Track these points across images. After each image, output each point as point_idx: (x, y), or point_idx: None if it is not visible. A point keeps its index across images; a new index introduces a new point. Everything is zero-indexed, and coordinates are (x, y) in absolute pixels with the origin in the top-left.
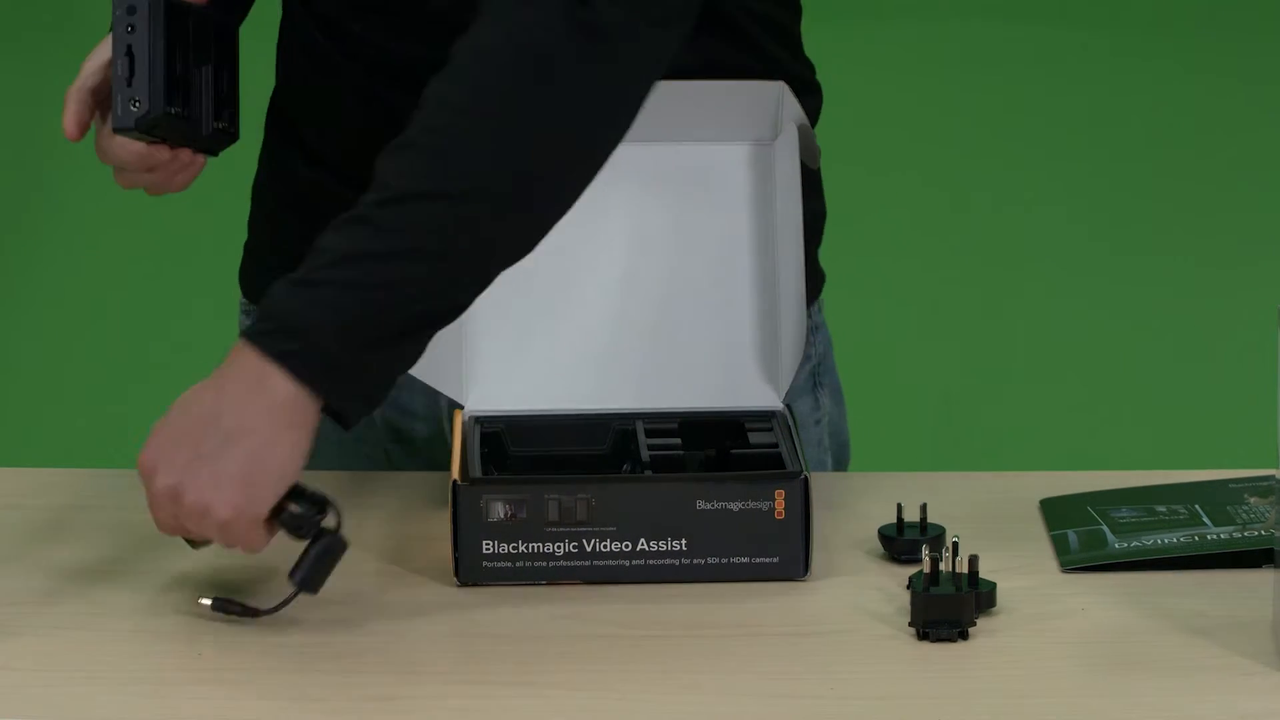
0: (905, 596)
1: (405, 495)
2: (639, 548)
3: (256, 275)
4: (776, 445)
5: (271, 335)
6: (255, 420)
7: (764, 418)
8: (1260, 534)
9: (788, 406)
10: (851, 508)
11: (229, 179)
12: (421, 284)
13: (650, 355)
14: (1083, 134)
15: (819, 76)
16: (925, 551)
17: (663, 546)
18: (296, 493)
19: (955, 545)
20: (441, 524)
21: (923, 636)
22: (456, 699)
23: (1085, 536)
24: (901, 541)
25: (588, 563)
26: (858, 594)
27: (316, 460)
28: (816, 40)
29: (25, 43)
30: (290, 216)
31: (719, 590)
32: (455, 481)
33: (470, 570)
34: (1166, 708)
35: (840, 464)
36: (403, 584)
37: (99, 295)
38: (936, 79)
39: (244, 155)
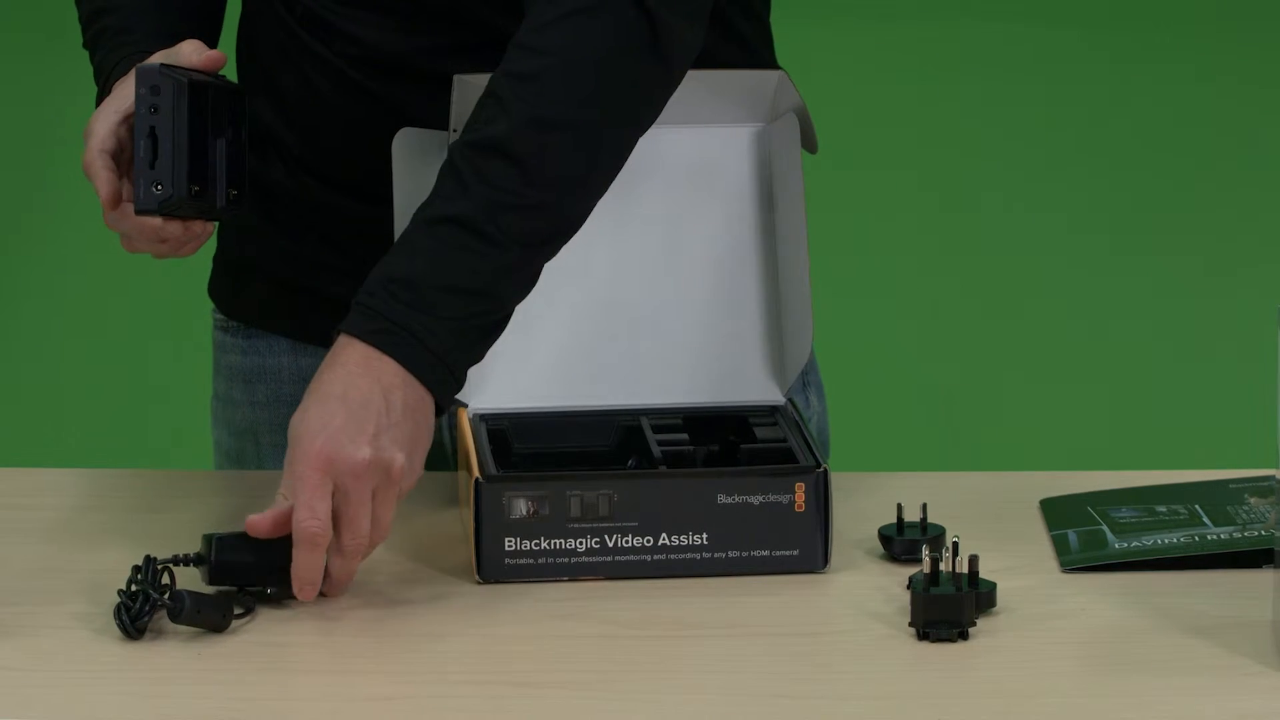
0: (905, 596)
1: (411, 495)
2: (660, 542)
3: (233, 290)
4: (785, 440)
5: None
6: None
7: (767, 413)
8: (1260, 534)
9: (790, 400)
10: (851, 508)
11: None
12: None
13: (652, 350)
14: (1083, 134)
15: (820, 76)
16: (925, 551)
17: (684, 541)
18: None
19: (955, 545)
20: (451, 523)
21: (923, 636)
22: (456, 699)
23: (1085, 536)
24: (901, 541)
25: (610, 558)
26: (858, 594)
27: None
28: (816, 40)
29: (25, 43)
30: (268, 227)
31: (719, 590)
32: (478, 479)
33: (492, 568)
34: (1166, 708)
35: None
36: (416, 583)
37: (100, 296)
38: (936, 79)
39: None
